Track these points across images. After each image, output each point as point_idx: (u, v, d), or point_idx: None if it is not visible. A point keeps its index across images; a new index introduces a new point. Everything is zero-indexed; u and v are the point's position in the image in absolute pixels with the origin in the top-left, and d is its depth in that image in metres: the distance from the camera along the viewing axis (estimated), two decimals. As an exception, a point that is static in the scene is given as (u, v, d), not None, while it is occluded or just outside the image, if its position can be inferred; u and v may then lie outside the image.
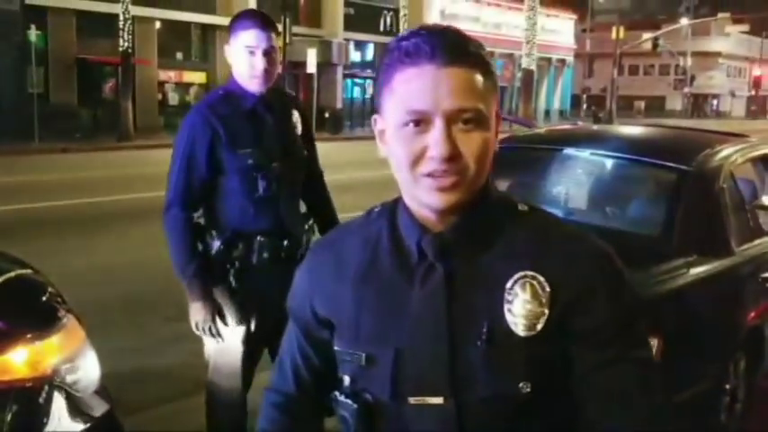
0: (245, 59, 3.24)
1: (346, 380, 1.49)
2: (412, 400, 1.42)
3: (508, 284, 1.39)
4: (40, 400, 2.60)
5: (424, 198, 1.38)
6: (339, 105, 37.50)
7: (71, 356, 2.75)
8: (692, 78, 69.42)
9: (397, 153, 1.38)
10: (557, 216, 1.53)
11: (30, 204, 12.35)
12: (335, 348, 1.52)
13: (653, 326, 3.56)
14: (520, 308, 1.38)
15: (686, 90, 69.57)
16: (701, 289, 4.00)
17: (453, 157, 1.34)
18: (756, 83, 71.35)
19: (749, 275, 4.46)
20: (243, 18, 3.30)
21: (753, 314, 4.38)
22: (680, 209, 4.32)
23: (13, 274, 2.97)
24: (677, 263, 3.99)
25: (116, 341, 5.50)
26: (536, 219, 1.48)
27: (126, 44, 25.57)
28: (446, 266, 1.42)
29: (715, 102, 79.46)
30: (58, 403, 2.64)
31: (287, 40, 30.12)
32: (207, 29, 32.94)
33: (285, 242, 3.39)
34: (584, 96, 60.80)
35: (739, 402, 4.47)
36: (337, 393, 1.50)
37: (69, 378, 2.70)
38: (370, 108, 1.66)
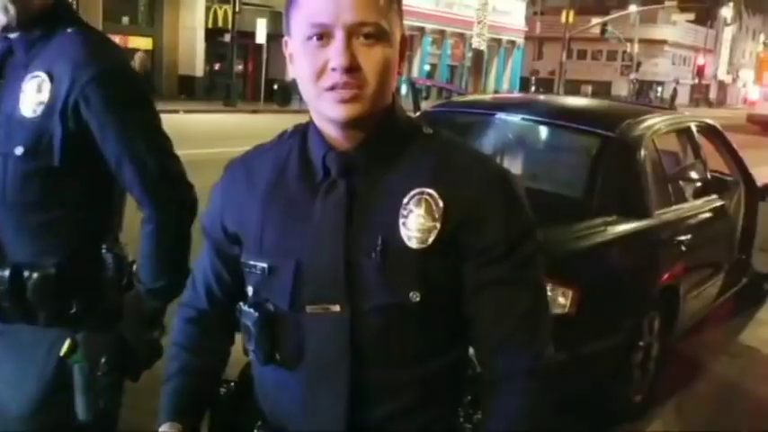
0: None
1: (250, 290, 1.54)
2: (309, 308, 1.46)
3: (404, 200, 1.44)
4: None
5: (328, 112, 1.42)
6: (289, 77, 37.15)
7: None
8: (638, 65, 70.08)
9: (302, 68, 1.41)
10: (460, 139, 1.59)
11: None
12: (242, 260, 1.57)
13: (570, 279, 3.75)
14: (414, 222, 1.43)
15: (632, 76, 70.11)
16: (618, 246, 4.20)
17: (353, 68, 1.37)
18: (700, 71, 72.41)
19: (666, 238, 4.66)
20: None
21: (667, 275, 4.57)
22: (602, 172, 4.52)
23: None
24: (596, 221, 4.17)
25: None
26: (440, 140, 1.53)
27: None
28: (348, 183, 1.46)
29: (660, 89, 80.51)
30: None
31: (236, 9, 29.82)
32: (154, -6, 32.48)
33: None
34: (533, 79, 61.06)
35: (652, 360, 4.65)
36: (242, 304, 1.55)
37: None
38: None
